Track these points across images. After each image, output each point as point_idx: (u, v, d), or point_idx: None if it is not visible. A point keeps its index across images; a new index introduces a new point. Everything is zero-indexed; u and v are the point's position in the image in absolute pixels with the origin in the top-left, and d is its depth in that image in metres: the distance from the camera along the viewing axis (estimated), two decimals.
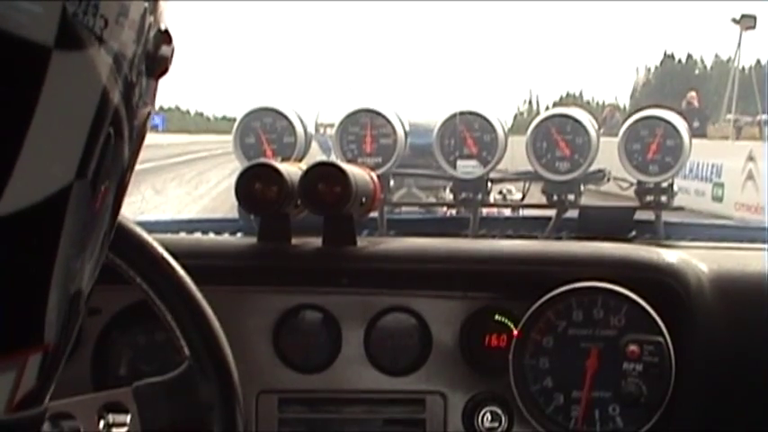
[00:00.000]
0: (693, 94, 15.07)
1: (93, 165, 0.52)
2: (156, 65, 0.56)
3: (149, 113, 0.58)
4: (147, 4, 0.53)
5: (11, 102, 0.46)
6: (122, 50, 0.51)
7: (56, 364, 0.56)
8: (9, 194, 0.46)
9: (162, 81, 0.58)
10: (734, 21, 17.98)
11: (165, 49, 0.57)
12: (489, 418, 1.38)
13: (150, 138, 0.61)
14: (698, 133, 12.22)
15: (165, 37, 0.57)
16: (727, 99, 17.82)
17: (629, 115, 1.86)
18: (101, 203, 0.55)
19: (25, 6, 0.45)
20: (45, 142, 0.48)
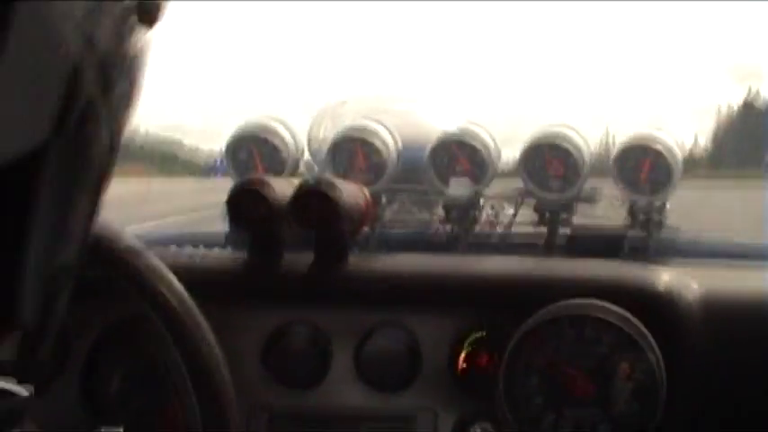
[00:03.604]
0: None
1: (72, 121, 0.46)
2: (149, 10, 0.51)
3: (141, 64, 0.53)
4: None
5: None
6: None
7: (37, 348, 0.52)
8: None
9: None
10: None
11: None
12: None
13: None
14: None
15: None
16: None
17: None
18: (86, 166, 0.50)
19: None
20: (14, 95, 0.43)
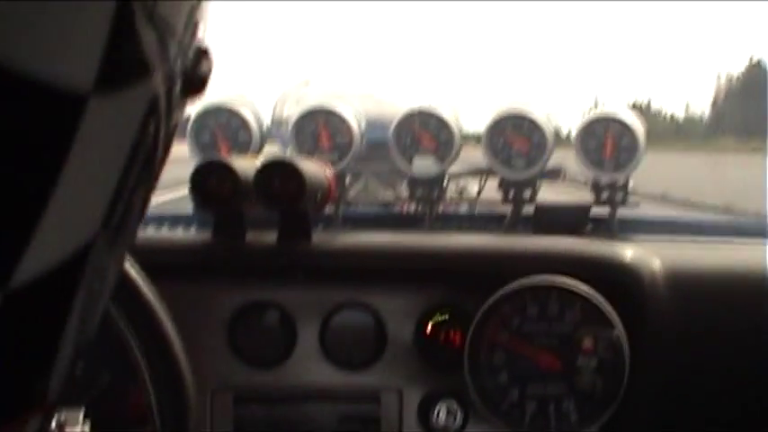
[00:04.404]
0: None
1: (120, 209, 0.42)
2: (193, 84, 0.46)
3: (175, 127, 0.48)
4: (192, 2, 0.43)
5: (35, 161, 0.36)
6: (168, 72, 0.42)
7: (50, 417, 0.51)
8: (26, 263, 0.37)
9: None
10: None
11: (204, 66, 0.47)
12: (444, 414, 1.38)
13: None
14: None
15: (204, 52, 0.47)
16: None
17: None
18: (118, 245, 0.46)
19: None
20: (72, 198, 0.38)
